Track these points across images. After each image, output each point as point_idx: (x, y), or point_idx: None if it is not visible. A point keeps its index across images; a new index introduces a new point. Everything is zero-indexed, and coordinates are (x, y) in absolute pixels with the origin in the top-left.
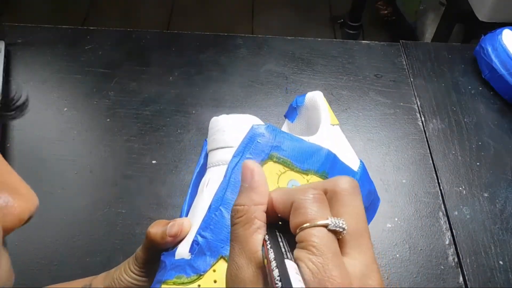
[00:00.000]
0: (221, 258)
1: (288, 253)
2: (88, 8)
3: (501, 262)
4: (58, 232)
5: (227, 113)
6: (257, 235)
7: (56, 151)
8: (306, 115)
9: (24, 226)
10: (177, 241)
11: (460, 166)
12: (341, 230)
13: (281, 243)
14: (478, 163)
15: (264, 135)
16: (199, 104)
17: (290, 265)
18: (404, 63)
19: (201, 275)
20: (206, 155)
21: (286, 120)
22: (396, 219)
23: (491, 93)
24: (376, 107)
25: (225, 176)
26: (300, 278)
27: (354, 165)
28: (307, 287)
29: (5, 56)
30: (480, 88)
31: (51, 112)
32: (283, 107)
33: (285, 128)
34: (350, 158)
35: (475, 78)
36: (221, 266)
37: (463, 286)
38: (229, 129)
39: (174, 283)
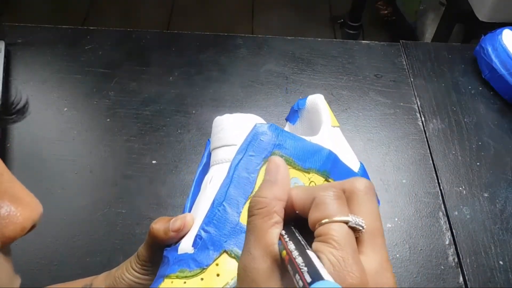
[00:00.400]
0: (224, 252)
1: (307, 246)
2: (88, 8)
3: (501, 262)
4: (58, 232)
5: (228, 113)
6: (275, 229)
7: (56, 151)
8: (307, 118)
9: None
10: (180, 236)
11: (460, 166)
12: (360, 228)
13: (299, 237)
14: (478, 163)
15: (267, 133)
16: (199, 104)
17: (312, 255)
18: (404, 63)
19: (204, 268)
20: (209, 154)
21: (288, 122)
22: (396, 219)
23: (491, 93)
24: (376, 107)
25: (228, 172)
26: (323, 267)
27: (354, 167)
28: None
29: (5, 56)
30: (480, 88)
31: (51, 112)
32: (283, 107)
33: (286, 130)
34: (350, 160)
35: (475, 78)
36: (224, 260)
37: (463, 286)
38: (232, 128)
39: (177, 277)
